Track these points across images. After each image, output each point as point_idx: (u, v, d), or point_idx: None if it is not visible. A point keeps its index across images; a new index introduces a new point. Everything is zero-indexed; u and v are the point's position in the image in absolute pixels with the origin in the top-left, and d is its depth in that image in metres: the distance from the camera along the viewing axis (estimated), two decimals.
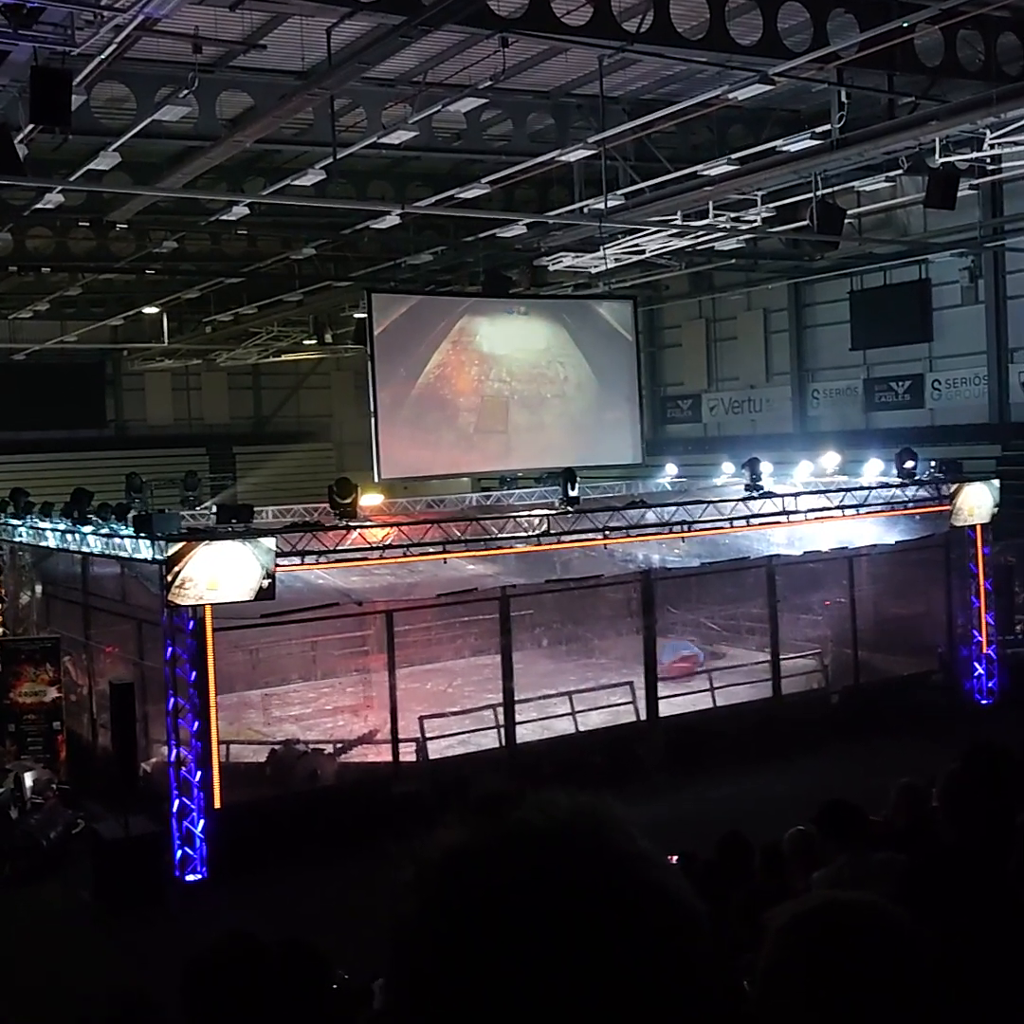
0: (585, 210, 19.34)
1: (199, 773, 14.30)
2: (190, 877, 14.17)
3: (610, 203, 18.04)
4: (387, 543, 16.30)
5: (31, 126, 13.02)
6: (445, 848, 1.04)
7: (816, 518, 19.17)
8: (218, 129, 15.84)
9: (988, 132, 16.15)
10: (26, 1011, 9.57)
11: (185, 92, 14.05)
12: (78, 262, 24.70)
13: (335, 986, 6.64)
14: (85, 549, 17.56)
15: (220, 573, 14.34)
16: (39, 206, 17.98)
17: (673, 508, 18.49)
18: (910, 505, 19.89)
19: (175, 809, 14.22)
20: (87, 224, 22.32)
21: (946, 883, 3.82)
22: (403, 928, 1.02)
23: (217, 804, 14.41)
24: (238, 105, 16.42)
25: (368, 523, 17.41)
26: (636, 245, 23.05)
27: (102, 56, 12.51)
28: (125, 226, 21.47)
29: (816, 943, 1.59)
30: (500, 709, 17.07)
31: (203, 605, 14.37)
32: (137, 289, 28.63)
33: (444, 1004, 0.98)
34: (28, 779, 15.73)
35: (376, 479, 23.67)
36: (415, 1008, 1.00)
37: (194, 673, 14.38)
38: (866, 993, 1.54)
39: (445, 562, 16.68)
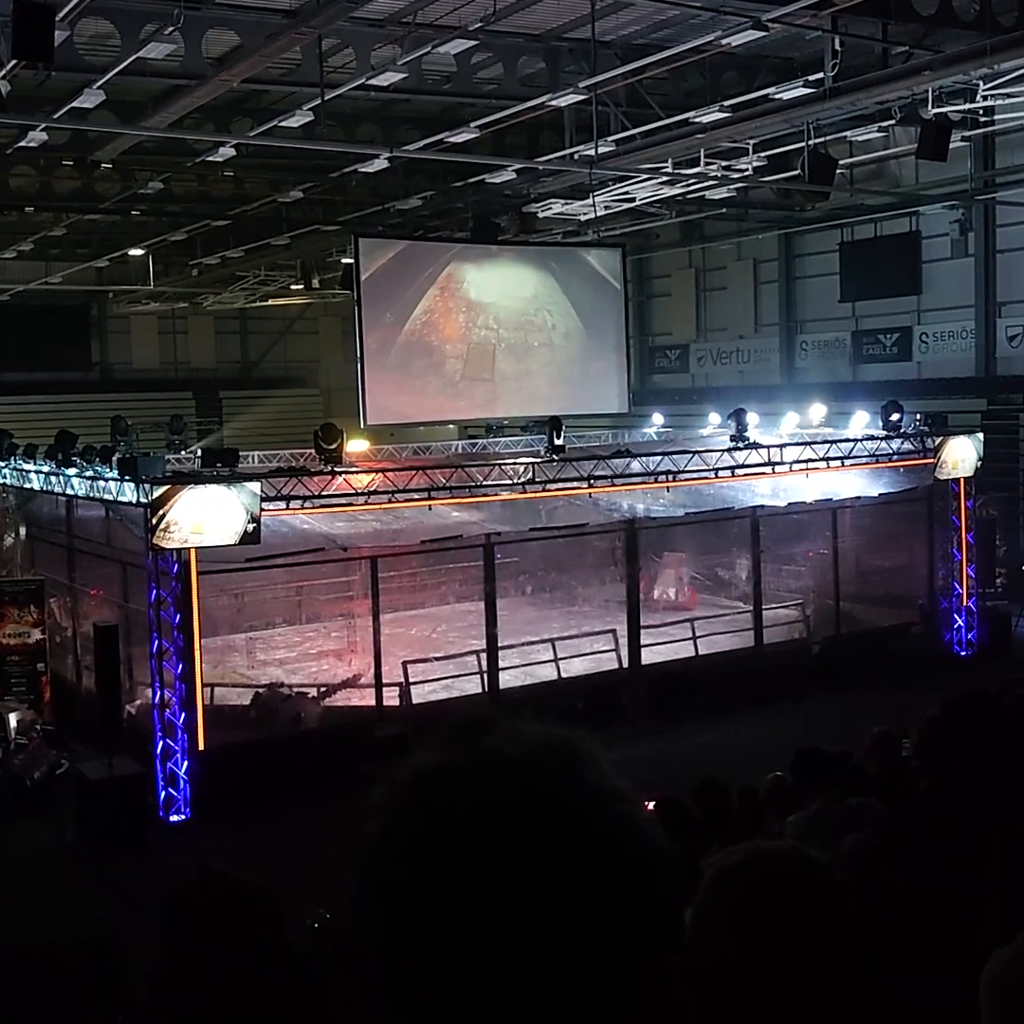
0: (575, 156, 19.15)
1: (183, 715, 14.38)
2: (174, 818, 14.28)
3: (601, 149, 17.88)
4: (372, 489, 16.31)
5: (13, 62, 12.84)
6: (414, 771, 1.05)
7: (801, 469, 19.23)
8: (204, 68, 15.61)
9: (981, 83, 16.04)
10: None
11: (170, 29, 13.84)
12: (62, 202, 24.42)
13: (316, 924, 6.73)
14: (69, 492, 17.52)
15: (205, 517, 14.33)
16: (22, 144, 17.75)
17: (658, 458, 18.50)
18: (895, 458, 19.94)
19: (159, 750, 14.31)
20: (71, 163, 22.04)
21: (925, 829, 3.89)
22: (369, 846, 1.04)
23: (201, 746, 14.51)
24: (224, 43, 16.17)
25: (353, 469, 17.40)
26: (626, 193, 22.89)
27: None
28: (110, 166, 21.21)
29: (738, 890, 1.69)
30: (483, 655, 17.16)
31: (188, 548, 14.37)
32: (123, 230, 28.33)
33: (403, 922, 0.99)
34: (12, 720, 15.80)
35: (362, 425, 23.62)
36: (375, 924, 1.02)
37: (178, 616, 14.41)
38: (783, 938, 1.62)
39: (430, 509, 16.70)
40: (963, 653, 20.20)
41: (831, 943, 1.64)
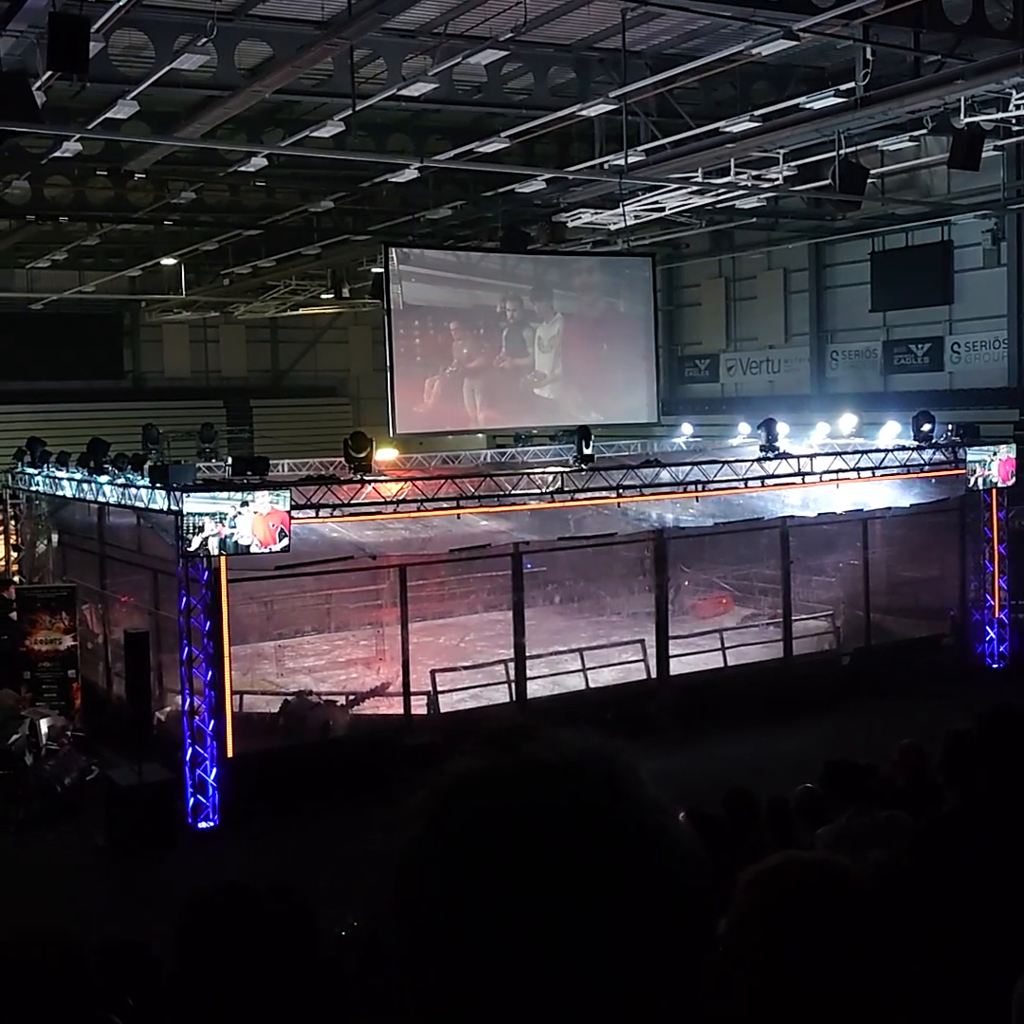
0: (605, 166, 19.16)
1: (212, 722, 14.44)
2: (202, 824, 14.34)
3: (631, 159, 17.89)
4: (401, 498, 16.35)
5: (49, 73, 12.93)
6: (455, 775, 1.06)
7: (831, 480, 19.14)
8: (237, 79, 15.71)
9: (1014, 92, 15.92)
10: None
11: (204, 40, 13.91)
12: (96, 212, 24.59)
13: (343, 933, 6.74)
14: (101, 499, 17.65)
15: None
16: (57, 154, 17.88)
17: (688, 467, 18.46)
18: (926, 468, 19.83)
19: (188, 757, 14.38)
20: (105, 173, 22.19)
21: (950, 846, 3.86)
22: (409, 849, 1.04)
23: (230, 753, 14.56)
24: (257, 55, 16.28)
25: (382, 477, 17.46)
26: (656, 202, 22.86)
27: (120, 3, 12.38)
28: (143, 176, 21.37)
29: (771, 899, 1.72)
30: (511, 664, 17.16)
31: (218, 556, 14.44)
32: (155, 240, 28.54)
33: (441, 925, 1.00)
34: (43, 726, 15.89)
35: (391, 434, 23.69)
36: (413, 926, 1.02)
37: (208, 623, 14.49)
38: (813, 945, 1.65)
39: (458, 517, 16.72)
40: (994, 665, 20.05)
41: (859, 948, 1.67)
